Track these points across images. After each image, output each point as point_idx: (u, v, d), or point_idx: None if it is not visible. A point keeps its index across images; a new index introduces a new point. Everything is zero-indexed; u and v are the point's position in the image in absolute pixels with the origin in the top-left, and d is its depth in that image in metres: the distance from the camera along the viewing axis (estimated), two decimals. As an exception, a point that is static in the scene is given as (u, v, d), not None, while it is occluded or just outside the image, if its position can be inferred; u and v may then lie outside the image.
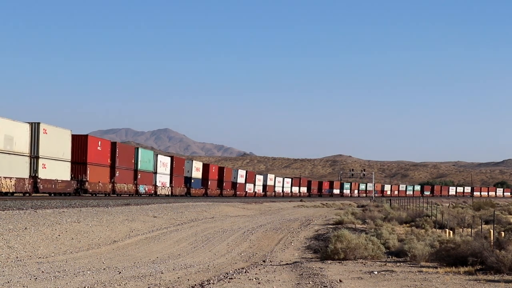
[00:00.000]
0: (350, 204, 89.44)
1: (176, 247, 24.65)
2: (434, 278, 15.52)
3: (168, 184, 76.51)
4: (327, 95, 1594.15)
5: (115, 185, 60.38)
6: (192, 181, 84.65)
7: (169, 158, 78.26)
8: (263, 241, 28.48)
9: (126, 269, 17.73)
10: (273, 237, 30.67)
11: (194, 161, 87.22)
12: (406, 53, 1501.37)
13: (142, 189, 67.30)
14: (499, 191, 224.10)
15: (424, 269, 17.15)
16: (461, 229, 30.33)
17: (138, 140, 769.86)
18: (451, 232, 26.46)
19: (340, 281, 15.01)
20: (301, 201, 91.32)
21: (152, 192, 70.76)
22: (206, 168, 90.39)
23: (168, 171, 76.72)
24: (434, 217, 37.59)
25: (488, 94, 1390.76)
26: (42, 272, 16.30)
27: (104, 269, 17.52)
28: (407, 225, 37.53)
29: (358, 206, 76.96)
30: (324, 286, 14.18)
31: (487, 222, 34.47)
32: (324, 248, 21.68)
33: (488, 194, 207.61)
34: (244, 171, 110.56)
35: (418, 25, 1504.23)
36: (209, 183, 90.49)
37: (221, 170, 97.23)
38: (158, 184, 72.89)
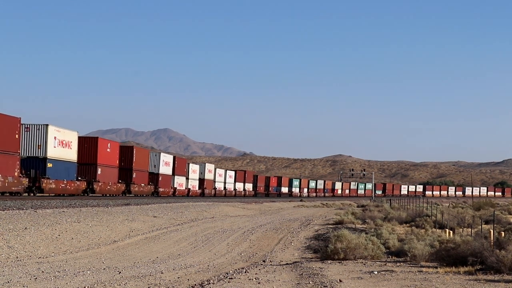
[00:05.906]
0: (350, 204, 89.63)
1: (176, 247, 24.66)
2: (434, 278, 15.53)
3: None
4: (327, 94, 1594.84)
5: None
6: (49, 165, 46.15)
7: None
8: (263, 241, 28.49)
9: (126, 269, 17.74)
10: (273, 237, 30.68)
11: (51, 127, 46.33)
12: (406, 53, 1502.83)
13: None
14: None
15: (424, 269, 17.15)
16: (461, 229, 30.33)
17: (138, 140, 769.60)
18: (451, 232, 26.46)
19: (340, 281, 15.02)
20: (301, 201, 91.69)
21: None
22: (91, 144, 52.91)
23: None
24: (434, 217, 37.58)
25: (489, 93, 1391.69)
26: (42, 272, 16.31)
27: (104, 269, 17.53)
28: (407, 225, 37.51)
29: (358, 206, 77.23)
30: (324, 286, 14.19)
31: (487, 222, 34.46)
32: (324, 248, 21.69)
33: (448, 193, 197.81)
34: (171, 157, 75.70)
35: (418, 25, 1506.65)
36: (98, 172, 53.74)
37: (126, 151, 61.09)
38: None
